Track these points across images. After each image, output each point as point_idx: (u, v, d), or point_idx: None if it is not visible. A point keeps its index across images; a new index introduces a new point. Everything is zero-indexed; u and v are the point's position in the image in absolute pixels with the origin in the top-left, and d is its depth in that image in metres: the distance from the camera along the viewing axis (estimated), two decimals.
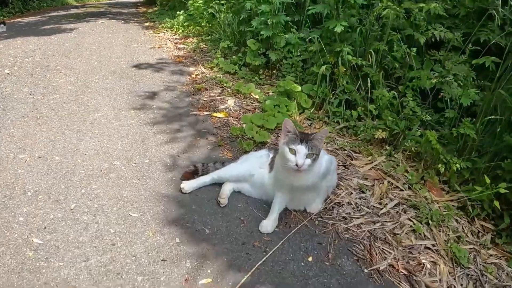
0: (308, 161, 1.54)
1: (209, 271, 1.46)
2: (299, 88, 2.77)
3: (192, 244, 1.58)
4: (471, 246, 1.75)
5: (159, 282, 1.40)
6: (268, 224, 1.69)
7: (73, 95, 3.08)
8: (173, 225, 1.67)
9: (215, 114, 2.73)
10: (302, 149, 1.52)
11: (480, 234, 1.84)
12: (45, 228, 1.60)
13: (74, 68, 3.85)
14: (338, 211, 1.86)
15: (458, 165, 1.93)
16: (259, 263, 1.51)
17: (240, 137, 2.38)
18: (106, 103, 2.94)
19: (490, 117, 2.00)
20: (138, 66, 4.06)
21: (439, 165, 1.98)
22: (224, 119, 2.70)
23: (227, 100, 2.98)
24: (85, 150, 2.21)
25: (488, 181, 1.78)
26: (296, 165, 1.52)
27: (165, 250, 1.54)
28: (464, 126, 1.98)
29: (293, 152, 1.53)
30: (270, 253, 1.57)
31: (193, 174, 1.97)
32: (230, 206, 1.84)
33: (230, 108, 2.87)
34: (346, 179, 2.08)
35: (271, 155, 1.88)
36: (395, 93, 2.38)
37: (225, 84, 3.32)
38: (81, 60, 4.23)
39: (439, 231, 1.78)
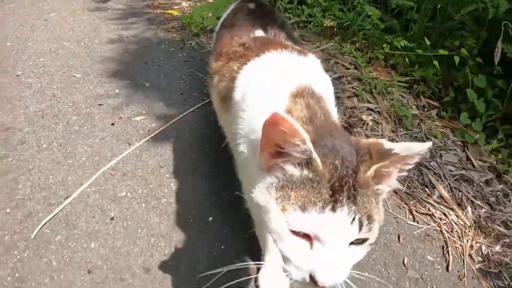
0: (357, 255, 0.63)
1: (144, 112, 1.47)
2: None
3: (131, 94, 1.58)
4: (416, 113, 1.79)
5: (93, 120, 1.40)
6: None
7: (29, 3, 2.97)
8: (114, 80, 1.66)
9: (169, 11, 2.68)
10: (340, 227, 0.58)
11: (426, 109, 1.88)
12: None
13: None
14: None
15: (402, 43, 1.93)
16: (196, 106, 1.51)
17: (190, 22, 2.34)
18: (61, 6, 2.86)
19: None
20: None
21: (384, 45, 1.99)
22: (177, 15, 2.66)
23: (181, 3, 2.93)
24: (37, 37, 2.16)
25: (428, 42, 1.80)
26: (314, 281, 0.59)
27: (103, 97, 1.54)
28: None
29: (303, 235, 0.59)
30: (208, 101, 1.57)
31: None
32: (173, 68, 1.83)
33: (184, 7, 2.81)
34: None
35: None
36: None
37: None
38: None
39: (383, 100, 1.81)
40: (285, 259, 0.61)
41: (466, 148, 1.65)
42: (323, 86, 0.82)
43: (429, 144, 0.59)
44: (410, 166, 0.59)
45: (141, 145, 1.34)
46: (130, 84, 1.67)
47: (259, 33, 1.12)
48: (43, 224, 1.06)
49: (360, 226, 0.56)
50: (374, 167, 0.58)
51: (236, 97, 0.82)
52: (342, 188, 0.56)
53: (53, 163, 1.25)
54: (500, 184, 1.50)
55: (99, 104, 1.49)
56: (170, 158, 1.32)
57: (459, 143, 1.68)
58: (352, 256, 0.61)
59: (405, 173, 0.61)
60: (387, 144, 0.59)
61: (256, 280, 0.94)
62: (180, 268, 1.01)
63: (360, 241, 0.59)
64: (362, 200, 0.57)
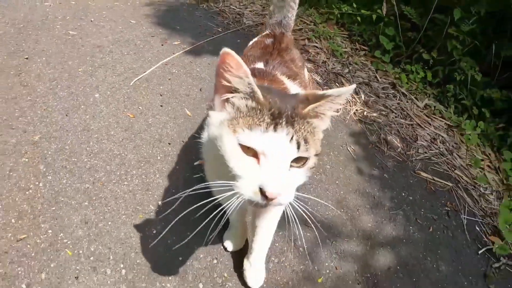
0: (300, 172, 0.78)
1: (178, 40, 2.49)
2: None
3: (169, 32, 2.59)
4: (347, 50, 2.75)
5: (150, 43, 2.41)
6: None
7: None
8: (157, 25, 2.66)
9: None
10: (280, 144, 0.73)
11: (358, 50, 2.83)
12: (76, 28, 2.52)
13: None
14: None
15: (345, 9, 2.88)
16: (206, 40, 2.51)
17: None
18: None
19: None
20: None
21: (334, 9, 2.94)
22: None
23: None
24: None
25: (356, 6, 2.75)
26: (264, 193, 0.72)
27: (153, 33, 2.56)
28: None
29: (251, 152, 0.74)
30: (227, 32, 2.56)
31: None
32: (192, 20, 2.81)
33: None
34: None
35: None
36: None
37: None
38: None
39: (326, 42, 2.77)
40: (237, 178, 0.72)
41: (376, 72, 2.61)
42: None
43: (353, 86, 0.77)
44: (340, 106, 0.76)
45: (179, 54, 2.35)
46: (168, 27, 2.65)
47: (260, 65, 1.24)
48: (140, 76, 2.08)
49: (298, 145, 0.71)
50: (310, 106, 0.75)
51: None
52: (281, 116, 0.72)
53: (134, 56, 2.26)
54: (392, 90, 2.47)
55: (152, 36, 2.50)
56: (193, 62, 2.32)
57: (373, 69, 2.64)
58: (295, 178, 0.74)
59: (337, 112, 0.82)
60: (320, 92, 0.76)
61: (223, 241, 1.35)
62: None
63: (300, 164, 0.73)
64: (298, 127, 0.73)
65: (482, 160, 2.13)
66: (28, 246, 1.26)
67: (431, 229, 1.64)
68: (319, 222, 1.52)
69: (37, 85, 1.94)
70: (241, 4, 3.24)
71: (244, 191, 0.72)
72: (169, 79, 2.15)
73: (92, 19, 2.63)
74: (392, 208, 1.67)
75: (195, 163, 1.60)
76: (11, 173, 1.47)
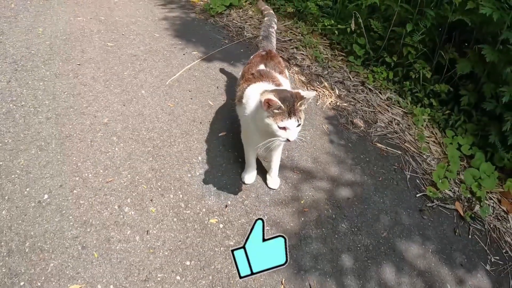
0: (299, 130, 1.55)
1: (195, 50, 3.21)
2: None
3: (186, 43, 3.29)
4: (327, 56, 3.45)
5: (174, 53, 3.09)
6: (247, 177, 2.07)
7: None
8: (176, 38, 3.36)
9: (192, 0, 4.29)
10: (293, 124, 1.50)
11: (336, 56, 3.53)
12: (112, 40, 3.20)
13: None
14: None
15: (327, 22, 3.60)
16: (217, 50, 3.22)
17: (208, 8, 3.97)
18: None
19: None
20: None
21: (318, 24, 3.66)
22: (198, 3, 4.20)
23: None
24: (116, 15, 3.79)
25: (333, 22, 3.46)
26: (288, 139, 1.52)
27: (174, 45, 3.24)
28: None
29: (283, 128, 1.50)
30: (232, 44, 3.26)
31: None
32: (202, 32, 3.51)
33: None
34: None
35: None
36: None
37: None
38: None
39: (310, 50, 3.47)
40: (274, 135, 1.51)
41: (350, 73, 3.30)
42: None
43: (314, 92, 1.60)
44: (308, 102, 1.66)
45: (198, 62, 3.05)
46: (185, 39, 3.34)
47: (262, 67, 1.98)
48: (172, 78, 2.75)
49: (298, 121, 1.49)
50: (299, 102, 1.50)
51: (243, 100, 1.79)
52: (291, 111, 1.48)
53: (164, 63, 2.93)
54: (361, 87, 3.15)
55: (174, 47, 3.18)
56: (209, 67, 3.01)
57: (347, 70, 3.33)
58: (298, 130, 1.52)
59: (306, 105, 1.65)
60: (303, 93, 1.52)
61: (241, 178, 2.09)
62: None
63: (298, 125, 1.50)
64: (297, 113, 1.49)
65: (429, 137, 2.81)
66: (115, 184, 1.96)
67: (380, 179, 2.32)
68: (302, 169, 2.25)
69: (94, 84, 2.58)
70: (242, 19, 3.95)
71: (283, 139, 1.52)
72: (194, 80, 2.85)
73: (123, 33, 3.26)
74: (352, 164, 2.36)
75: (219, 134, 2.38)
76: (92, 143, 2.16)
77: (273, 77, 1.89)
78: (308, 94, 1.52)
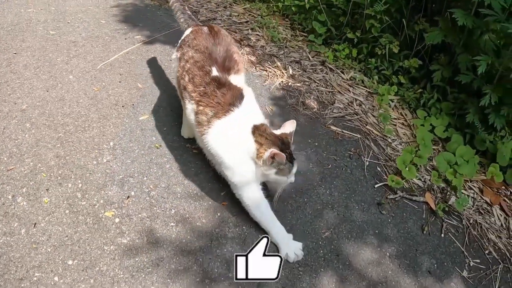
0: None
1: (139, 34, 2.79)
2: None
3: (132, 28, 2.91)
4: (286, 36, 3.04)
5: (117, 37, 2.69)
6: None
7: None
8: (123, 23, 2.98)
9: None
10: (295, 168, 1.50)
11: (297, 37, 3.12)
12: (55, 28, 2.83)
13: None
14: None
15: (288, 2, 3.20)
16: (163, 33, 2.81)
17: None
18: None
19: None
20: None
21: (278, 3, 3.26)
22: None
23: None
24: (68, 5, 3.40)
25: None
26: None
27: (120, 29, 2.86)
28: None
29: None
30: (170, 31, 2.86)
31: None
32: (154, 18, 3.11)
33: None
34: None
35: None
36: None
37: None
38: None
39: (267, 31, 3.06)
40: (279, 183, 1.50)
41: (309, 53, 2.89)
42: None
43: (294, 123, 1.53)
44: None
45: (138, 45, 2.69)
46: (132, 24, 2.99)
47: (215, 72, 1.62)
48: (105, 62, 2.36)
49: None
50: (290, 142, 1.48)
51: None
52: (292, 158, 1.44)
53: (102, 48, 2.54)
54: (321, 66, 2.73)
55: (117, 32, 2.83)
56: (149, 50, 2.62)
57: (307, 50, 2.92)
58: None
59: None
60: (287, 130, 1.51)
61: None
62: None
63: None
64: (294, 156, 1.47)
65: (397, 118, 2.38)
66: (15, 173, 1.73)
67: (330, 166, 1.88)
68: None
69: (24, 72, 2.35)
70: (198, 3, 3.57)
71: (285, 183, 1.51)
72: (128, 63, 2.53)
73: (69, 21, 3.00)
74: (295, 149, 1.90)
75: (141, 118, 2.10)
76: (4, 130, 1.93)
77: (236, 93, 1.57)
78: (290, 127, 1.53)
